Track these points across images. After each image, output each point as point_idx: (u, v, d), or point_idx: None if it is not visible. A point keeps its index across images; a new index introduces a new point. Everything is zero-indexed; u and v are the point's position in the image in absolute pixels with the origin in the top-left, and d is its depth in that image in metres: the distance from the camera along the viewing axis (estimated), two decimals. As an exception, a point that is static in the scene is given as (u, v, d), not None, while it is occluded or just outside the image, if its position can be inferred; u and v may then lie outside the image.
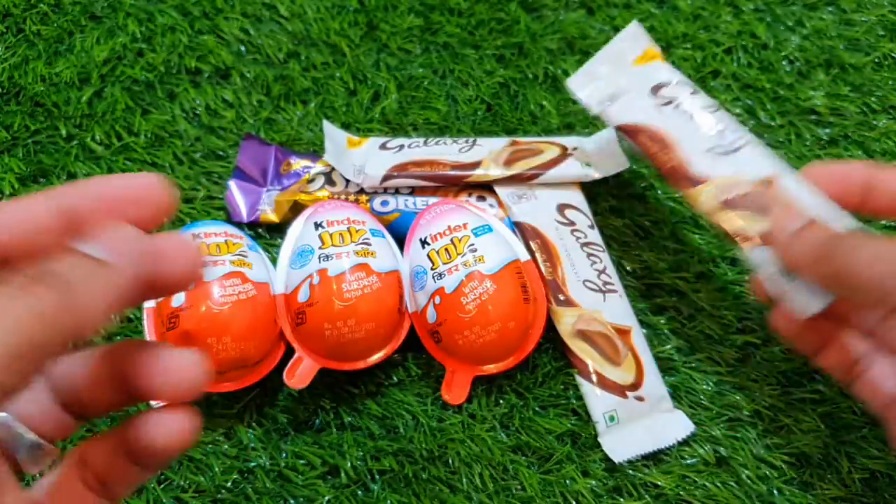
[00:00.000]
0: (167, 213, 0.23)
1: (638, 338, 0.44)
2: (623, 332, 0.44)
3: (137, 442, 0.23)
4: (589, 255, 0.46)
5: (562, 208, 0.47)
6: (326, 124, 0.51)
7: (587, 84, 0.45)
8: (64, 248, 0.20)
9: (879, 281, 0.28)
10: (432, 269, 0.43)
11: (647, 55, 0.45)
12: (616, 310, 0.45)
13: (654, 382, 0.43)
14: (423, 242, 0.44)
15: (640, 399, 0.43)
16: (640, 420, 0.42)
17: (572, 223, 0.47)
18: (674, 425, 0.43)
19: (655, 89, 0.43)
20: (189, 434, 0.23)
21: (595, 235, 0.47)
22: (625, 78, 0.44)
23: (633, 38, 0.45)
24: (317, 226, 0.44)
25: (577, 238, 0.46)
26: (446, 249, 0.43)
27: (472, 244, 0.43)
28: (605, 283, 0.45)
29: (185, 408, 0.23)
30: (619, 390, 0.42)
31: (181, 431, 0.23)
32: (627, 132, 0.43)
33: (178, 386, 0.23)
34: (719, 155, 0.40)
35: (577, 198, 0.48)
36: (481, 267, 0.42)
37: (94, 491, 0.24)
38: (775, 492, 0.42)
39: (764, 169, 0.39)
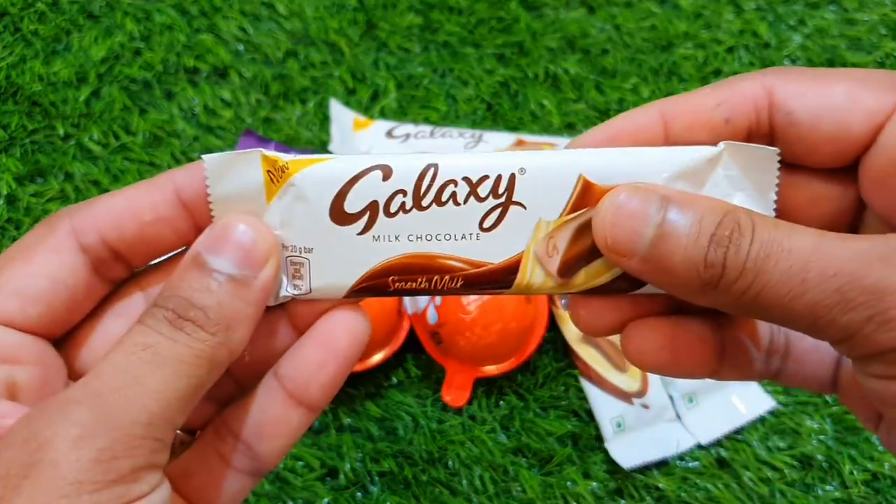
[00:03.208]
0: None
1: None
2: None
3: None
4: None
5: None
6: (333, 102, 0.51)
7: None
8: (195, 264, 0.20)
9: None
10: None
11: None
12: None
13: (658, 391, 0.43)
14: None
15: (645, 407, 0.42)
16: (645, 428, 0.42)
17: None
18: (678, 434, 0.42)
19: None
20: (365, 328, 0.22)
21: None
22: None
23: None
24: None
25: None
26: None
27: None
28: None
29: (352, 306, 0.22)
30: (626, 397, 0.42)
31: (356, 324, 0.22)
32: None
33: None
34: None
35: None
36: (482, 268, 0.42)
37: (253, 458, 0.22)
38: (777, 494, 0.41)
39: None
